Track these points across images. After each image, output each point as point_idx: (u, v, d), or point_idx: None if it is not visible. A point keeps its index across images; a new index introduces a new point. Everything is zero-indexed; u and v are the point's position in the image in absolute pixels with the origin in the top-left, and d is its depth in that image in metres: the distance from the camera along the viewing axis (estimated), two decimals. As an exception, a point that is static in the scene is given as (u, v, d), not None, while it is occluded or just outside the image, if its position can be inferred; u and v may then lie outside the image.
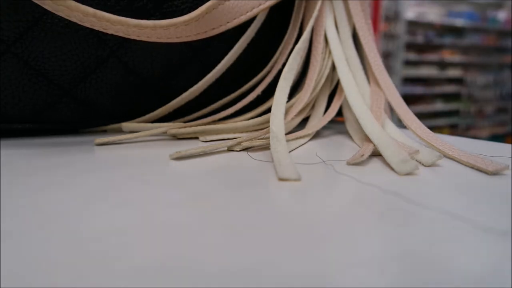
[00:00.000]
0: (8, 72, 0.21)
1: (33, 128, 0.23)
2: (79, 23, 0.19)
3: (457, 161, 0.18)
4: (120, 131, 0.24)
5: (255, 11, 0.23)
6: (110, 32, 0.20)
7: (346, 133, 0.24)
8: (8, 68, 0.21)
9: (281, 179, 0.14)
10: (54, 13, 0.20)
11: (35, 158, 0.17)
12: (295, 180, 0.14)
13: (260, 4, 0.23)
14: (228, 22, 0.22)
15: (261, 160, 0.17)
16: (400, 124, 0.24)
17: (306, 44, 0.24)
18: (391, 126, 0.22)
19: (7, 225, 0.10)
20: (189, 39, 0.22)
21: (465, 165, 0.17)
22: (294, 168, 0.15)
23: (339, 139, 0.23)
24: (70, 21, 0.20)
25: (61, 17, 0.20)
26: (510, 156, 0.19)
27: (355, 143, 0.22)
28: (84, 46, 0.22)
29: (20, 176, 0.14)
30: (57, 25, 0.21)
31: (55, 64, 0.21)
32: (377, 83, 0.24)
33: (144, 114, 0.25)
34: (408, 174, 0.15)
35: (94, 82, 0.23)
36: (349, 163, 0.17)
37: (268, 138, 0.20)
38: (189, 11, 0.23)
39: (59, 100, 0.22)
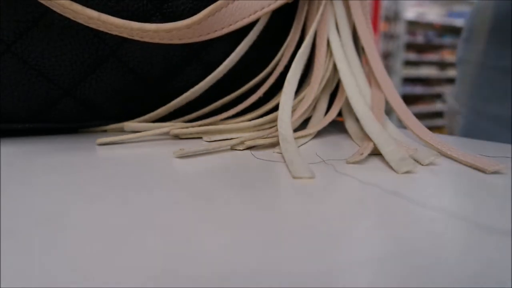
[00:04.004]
0: (8, 72, 0.21)
1: (33, 128, 0.23)
2: (85, 24, 0.20)
3: (456, 161, 0.18)
4: (120, 131, 0.24)
5: (258, 14, 0.23)
6: (114, 33, 0.20)
7: (345, 133, 0.24)
8: (8, 68, 0.21)
9: (295, 178, 0.15)
10: (54, 13, 0.20)
11: (35, 158, 0.17)
12: (309, 178, 0.14)
13: (263, 7, 0.23)
14: (230, 25, 0.23)
15: (263, 159, 0.17)
16: (400, 124, 0.24)
17: (309, 49, 0.24)
18: (391, 126, 0.22)
19: (7, 225, 0.10)
20: (192, 40, 0.22)
21: (464, 165, 0.17)
22: (307, 167, 0.15)
23: (339, 138, 0.23)
24: (70, 21, 0.20)
25: (60, 17, 0.20)
26: (510, 156, 0.19)
27: (355, 142, 0.22)
28: (84, 46, 0.22)
29: (20, 176, 0.14)
30: (57, 25, 0.21)
31: (55, 64, 0.21)
32: (378, 84, 0.24)
33: (144, 114, 0.25)
34: (406, 172, 0.15)
35: (94, 82, 0.23)
36: (348, 162, 0.17)
37: (271, 138, 0.20)
38: (189, 12, 0.23)
39: (59, 100, 0.22)
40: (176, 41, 0.22)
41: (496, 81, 0.43)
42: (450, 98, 0.52)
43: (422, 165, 0.17)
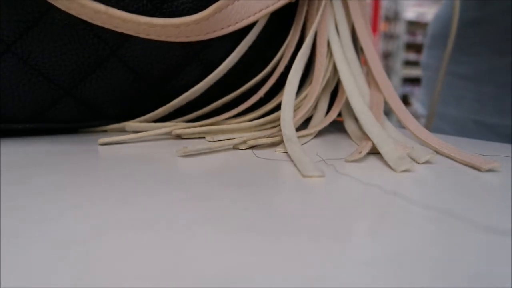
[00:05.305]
0: (8, 72, 0.21)
1: (33, 128, 0.23)
2: (90, 21, 0.20)
3: (453, 159, 0.18)
4: (120, 131, 0.24)
5: (262, 12, 0.23)
6: (120, 30, 0.20)
7: (345, 132, 0.24)
8: (8, 68, 0.21)
9: (305, 177, 0.15)
10: (54, 13, 0.20)
11: (35, 158, 0.17)
12: (319, 176, 0.15)
13: (267, 6, 0.23)
14: (237, 23, 0.23)
15: (265, 158, 0.17)
16: (400, 125, 0.24)
17: (310, 49, 0.24)
18: (389, 126, 0.22)
19: (7, 225, 0.10)
20: (199, 38, 0.22)
21: (461, 163, 0.17)
22: (316, 165, 0.15)
23: (339, 138, 0.23)
24: (70, 21, 0.21)
25: (61, 17, 0.20)
26: (510, 156, 0.19)
27: (354, 142, 0.22)
28: (84, 46, 0.22)
29: (20, 176, 0.14)
30: (57, 25, 0.21)
31: (55, 64, 0.21)
32: (377, 85, 0.24)
33: (144, 114, 0.25)
34: (404, 171, 0.16)
35: (94, 82, 0.23)
36: (347, 161, 0.17)
37: (273, 137, 0.20)
38: (188, 11, 0.23)
39: (59, 100, 0.22)
40: (183, 38, 0.22)
41: (453, 85, 0.45)
42: (416, 102, 0.55)
43: (418, 163, 0.17)
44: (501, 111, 0.40)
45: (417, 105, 0.55)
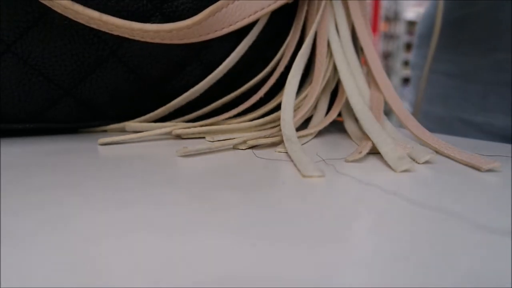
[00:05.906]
0: (8, 72, 0.21)
1: (33, 128, 0.23)
2: (86, 24, 0.20)
3: (453, 159, 0.18)
4: (120, 131, 0.24)
5: (258, 14, 0.23)
6: (116, 33, 0.21)
7: (345, 132, 0.24)
8: (8, 68, 0.21)
9: (305, 177, 0.15)
10: (54, 13, 0.20)
11: (35, 158, 0.17)
12: (319, 176, 0.15)
13: (263, 8, 0.23)
14: (230, 25, 0.23)
15: (265, 158, 0.17)
16: (400, 125, 0.24)
17: (310, 49, 0.24)
18: (389, 126, 0.22)
19: (7, 225, 0.10)
20: (192, 40, 0.22)
21: (461, 163, 0.17)
22: (316, 166, 0.15)
23: (339, 138, 0.23)
24: (70, 21, 0.21)
25: (61, 17, 0.20)
26: (510, 156, 0.19)
27: (354, 142, 0.22)
28: (84, 46, 0.22)
29: (20, 176, 0.14)
30: (57, 25, 0.21)
31: (55, 64, 0.21)
32: (377, 85, 0.24)
33: (144, 114, 0.25)
34: (404, 171, 0.16)
35: (94, 82, 0.23)
36: (347, 161, 0.17)
37: (273, 137, 0.20)
38: (188, 11, 0.23)
39: (59, 100, 0.22)
40: (176, 41, 0.22)
41: (439, 84, 0.46)
42: (404, 102, 0.55)
43: (419, 163, 0.17)
44: (486, 110, 0.41)
45: (405, 104, 0.55)
